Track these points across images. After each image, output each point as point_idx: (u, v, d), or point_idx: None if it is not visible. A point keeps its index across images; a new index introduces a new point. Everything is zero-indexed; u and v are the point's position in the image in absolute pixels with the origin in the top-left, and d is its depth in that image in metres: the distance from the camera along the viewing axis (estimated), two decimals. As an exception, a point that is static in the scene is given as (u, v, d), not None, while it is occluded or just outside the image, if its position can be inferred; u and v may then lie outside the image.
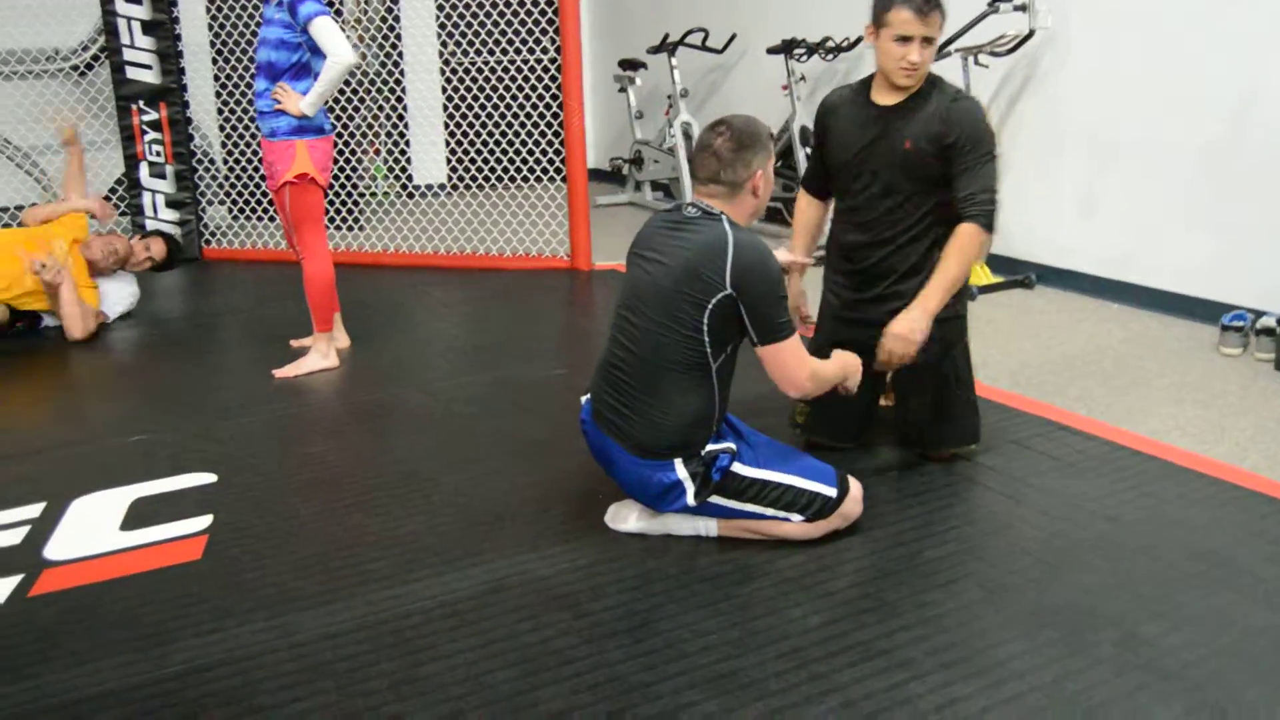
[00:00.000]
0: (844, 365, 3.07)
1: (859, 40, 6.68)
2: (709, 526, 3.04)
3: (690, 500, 2.92)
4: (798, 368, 2.91)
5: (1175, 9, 5.02)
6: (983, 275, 5.73)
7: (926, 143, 3.24)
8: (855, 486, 3.02)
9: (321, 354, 4.61)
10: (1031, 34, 5.52)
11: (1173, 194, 5.15)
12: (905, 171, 3.28)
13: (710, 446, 2.93)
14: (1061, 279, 5.72)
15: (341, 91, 7.21)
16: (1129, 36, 5.24)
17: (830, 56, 6.83)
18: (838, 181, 3.47)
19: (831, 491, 2.97)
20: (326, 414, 4.22)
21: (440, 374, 4.62)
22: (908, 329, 3.16)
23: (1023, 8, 5.49)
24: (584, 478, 3.44)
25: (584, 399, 3.13)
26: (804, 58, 6.95)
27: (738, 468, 2.93)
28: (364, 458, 3.73)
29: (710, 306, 2.80)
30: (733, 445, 2.95)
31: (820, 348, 3.42)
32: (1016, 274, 5.80)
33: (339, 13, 7.47)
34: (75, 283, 5.17)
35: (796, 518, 2.95)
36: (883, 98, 3.31)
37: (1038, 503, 3.21)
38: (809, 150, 6.74)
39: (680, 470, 2.90)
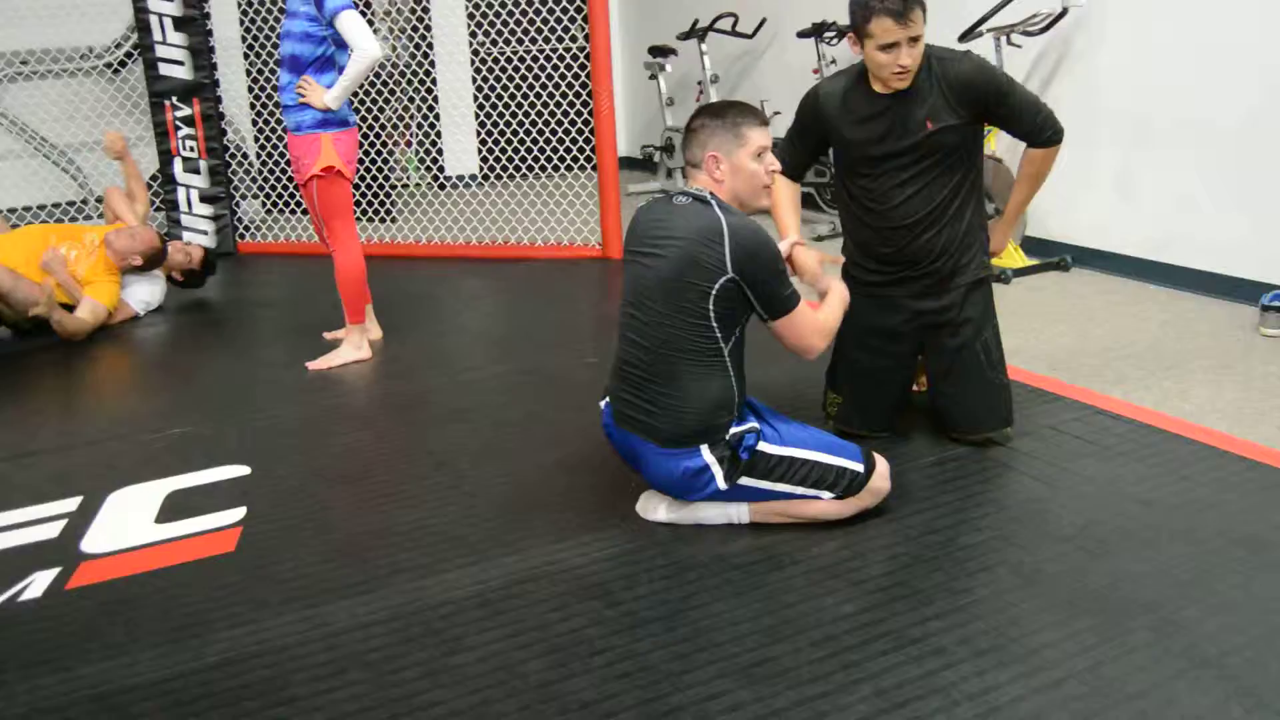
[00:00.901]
0: (840, 300, 3.14)
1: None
2: (740, 512, 3.03)
3: (721, 484, 2.91)
4: (812, 333, 2.98)
5: (1211, -15, 4.94)
6: (1018, 258, 5.67)
7: (948, 114, 3.23)
8: (882, 463, 3.02)
9: (354, 346, 4.63)
10: (1065, 13, 5.46)
11: (1210, 173, 5.07)
12: (931, 151, 3.27)
13: (734, 429, 2.92)
14: (1098, 260, 5.66)
15: (372, 84, 7.23)
16: (1162, 13, 5.17)
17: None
18: (854, 174, 3.41)
19: (859, 467, 2.96)
20: (359, 406, 4.24)
21: (472, 364, 4.63)
22: (999, 246, 3.57)
23: (1055, -13, 5.43)
24: (615, 466, 3.43)
25: (603, 403, 3.13)
26: (835, 41, 6.90)
27: (764, 447, 2.92)
28: (396, 449, 3.74)
29: (715, 293, 2.81)
30: (756, 425, 2.94)
31: (850, 333, 3.43)
32: (1052, 256, 5.74)
33: (369, 5, 7.49)
34: (74, 281, 5.20)
35: (827, 495, 2.94)
36: (886, 88, 3.27)
37: (1073, 487, 3.18)
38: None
39: (707, 455, 2.89)
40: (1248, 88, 4.84)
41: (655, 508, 3.08)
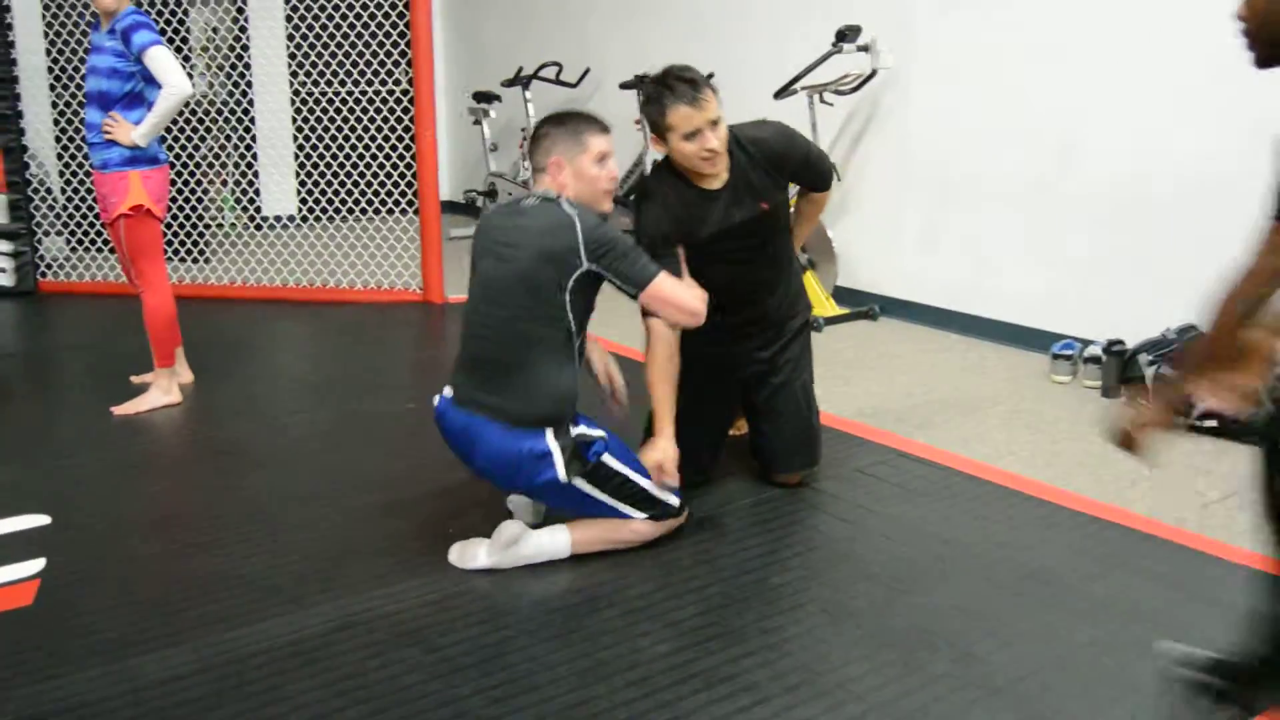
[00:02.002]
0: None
1: (710, 76, 6.81)
2: (559, 543, 3.06)
3: (560, 473, 2.96)
4: (686, 295, 3.07)
5: (1007, 53, 5.26)
6: (829, 307, 5.88)
7: (775, 190, 3.36)
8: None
9: (163, 390, 4.48)
10: (874, 74, 5.72)
11: (1009, 229, 5.38)
12: (767, 227, 3.38)
13: (584, 429, 3.02)
14: (904, 310, 5.91)
15: (187, 120, 7.05)
16: (966, 77, 5.47)
17: (681, 92, 6.94)
18: (692, 258, 3.30)
19: (675, 501, 3.15)
20: (168, 452, 4.11)
21: (287, 409, 4.54)
22: None
23: (865, 48, 5.68)
24: (433, 512, 3.42)
25: (439, 396, 3.16)
26: (655, 93, 7.05)
27: (607, 459, 3.03)
28: (207, 496, 3.64)
29: (570, 285, 2.95)
30: (605, 434, 3.05)
31: (692, 401, 3.31)
32: (861, 306, 5.97)
33: (185, 40, 7.32)
34: None
35: (641, 515, 3.10)
36: (708, 182, 3.28)
37: (878, 528, 3.31)
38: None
39: (551, 441, 2.96)
40: (1043, 150, 5.16)
41: (474, 555, 3.07)
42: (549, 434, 2.96)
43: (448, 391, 3.13)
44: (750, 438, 3.68)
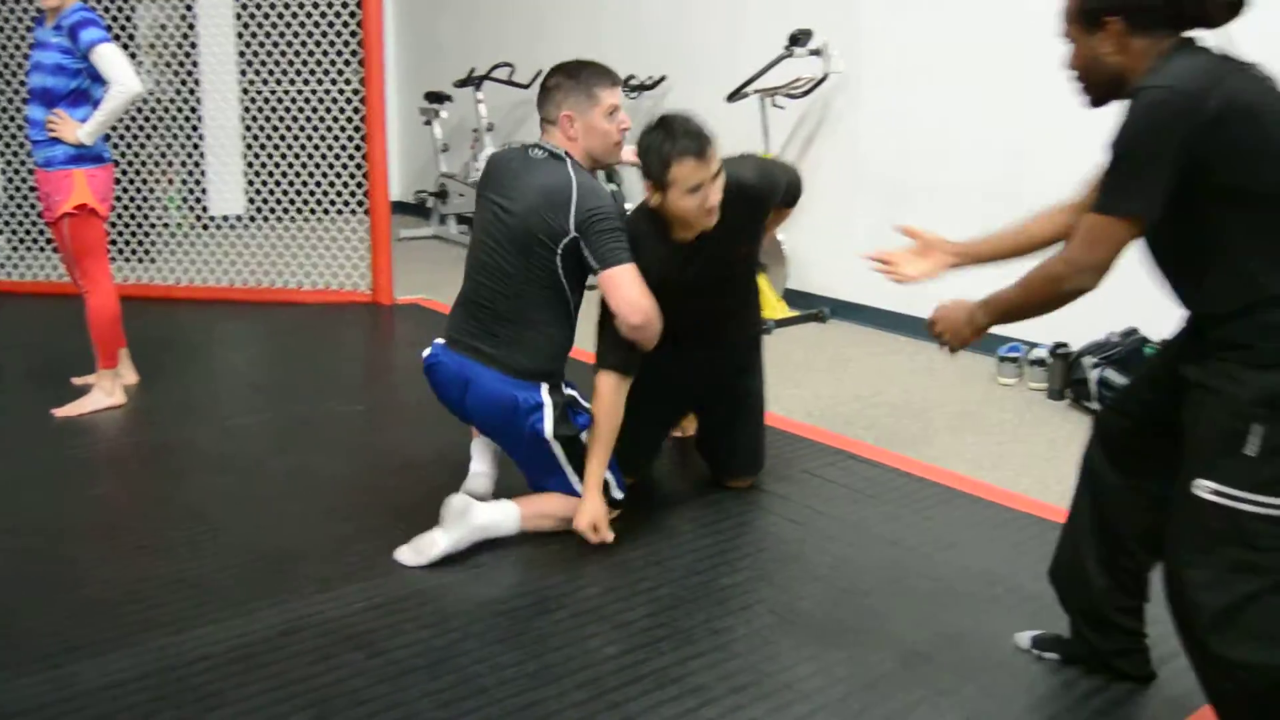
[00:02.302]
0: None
1: (662, 79, 6.83)
2: (509, 516, 3.13)
3: (548, 428, 3.06)
4: (640, 297, 2.99)
5: (958, 57, 5.31)
6: (779, 309, 5.91)
7: (754, 231, 3.34)
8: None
9: (106, 391, 4.42)
10: (825, 78, 5.75)
11: (956, 232, 5.41)
12: (741, 266, 3.38)
13: (577, 395, 3.12)
14: (854, 313, 5.95)
15: (133, 119, 6.95)
16: (916, 83, 5.52)
17: (634, 94, 6.95)
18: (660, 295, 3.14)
19: (618, 494, 3.22)
20: (111, 454, 4.05)
21: (234, 411, 4.49)
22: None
23: (817, 52, 5.72)
24: (381, 514, 3.40)
25: (435, 343, 3.22)
26: (607, 95, 7.05)
27: (585, 436, 3.12)
28: (151, 499, 3.60)
29: (560, 251, 3.01)
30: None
31: (644, 401, 3.25)
32: (811, 308, 6.00)
33: (131, 37, 7.22)
34: None
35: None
36: (687, 232, 3.13)
37: (827, 529, 3.33)
38: (615, 188, 6.85)
39: (545, 395, 3.07)
40: (992, 153, 5.21)
41: (431, 542, 3.06)
42: (544, 388, 3.07)
43: (440, 340, 3.20)
44: (702, 442, 3.68)
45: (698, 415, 3.68)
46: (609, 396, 3.07)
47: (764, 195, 3.28)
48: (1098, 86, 2.17)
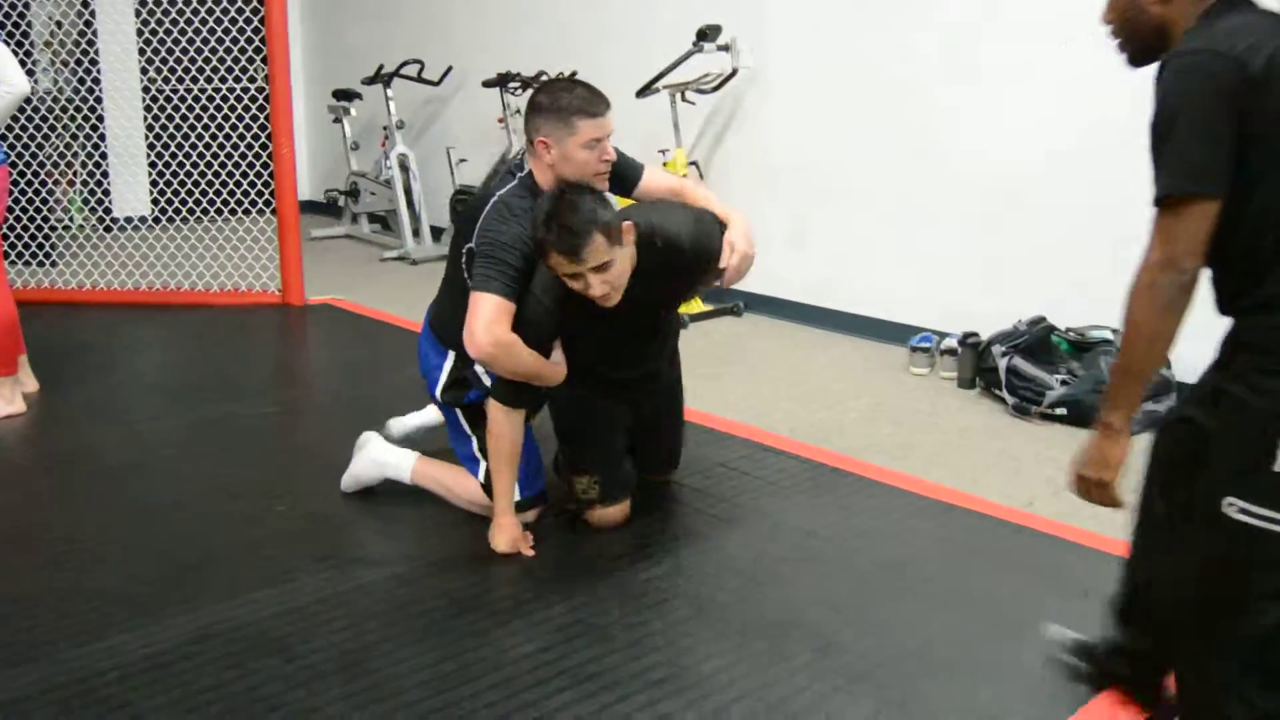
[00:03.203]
0: (553, 370, 3.05)
1: (573, 74, 6.81)
2: (404, 462, 3.38)
3: (436, 392, 3.28)
4: (488, 327, 2.86)
5: (866, 51, 5.37)
6: (694, 304, 5.93)
7: (681, 291, 3.32)
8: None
9: (5, 399, 4.29)
10: (735, 73, 5.78)
11: (868, 225, 5.49)
12: (665, 321, 3.34)
13: (480, 370, 3.12)
14: (769, 306, 5.99)
15: (30, 118, 6.77)
16: (823, 76, 5.57)
17: (544, 91, 6.92)
18: (580, 345, 3.11)
19: (520, 495, 3.19)
20: (13, 462, 3.93)
21: (141, 416, 4.39)
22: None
23: (725, 47, 5.74)
24: (293, 518, 3.35)
25: None
26: (519, 91, 7.03)
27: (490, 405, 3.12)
28: (54, 508, 3.50)
29: (464, 255, 3.09)
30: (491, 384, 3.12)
31: (598, 435, 3.28)
32: (726, 302, 6.03)
33: (26, 33, 7.03)
34: None
35: (481, 475, 3.23)
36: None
37: (744, 522, 3.34)
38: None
39: (449, 361, 3.24)
40: (900, 147, 5.28)
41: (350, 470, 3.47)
42: (450, 355, 3.22)
43: None
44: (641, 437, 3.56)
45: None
46: (498, 424, 3.03)
47: (693, 264, 3.11)
48: (1137, 40, 1.95)
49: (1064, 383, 4.30)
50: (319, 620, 2.75)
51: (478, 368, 3.13)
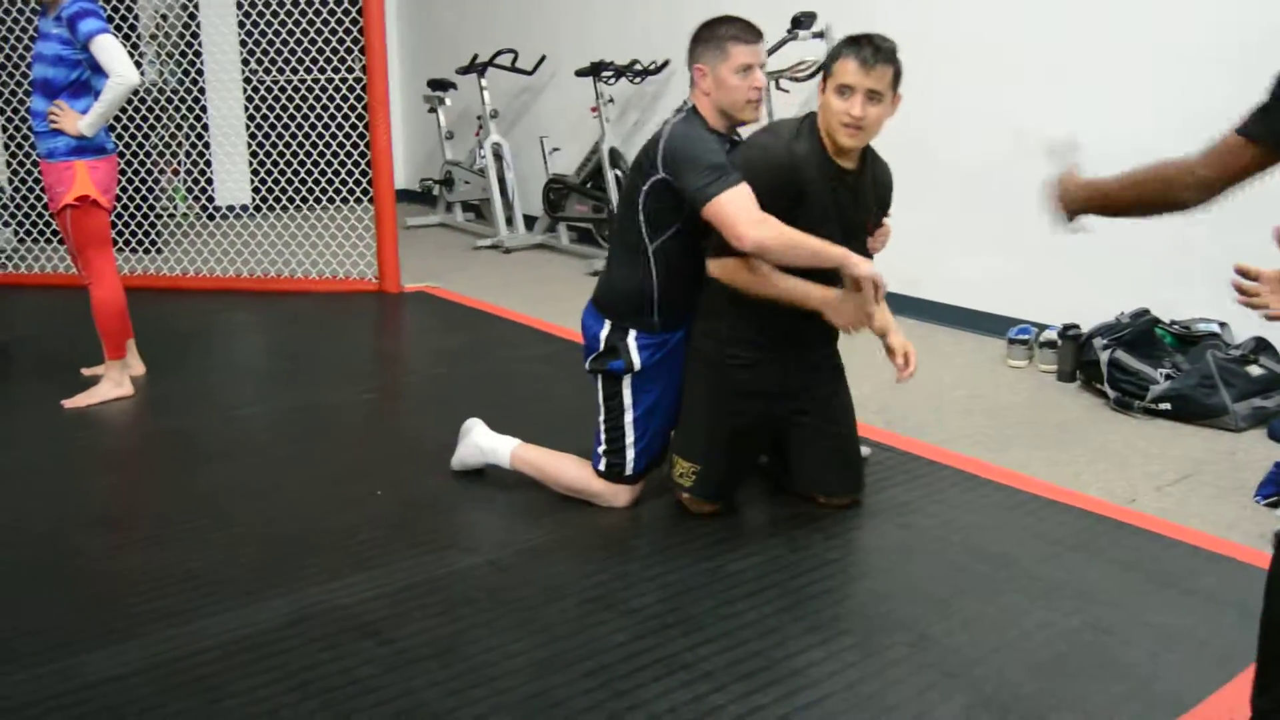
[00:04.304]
0: (832, 250, 2.95)
1: (666, 64, 6.80)
2: (502, 448, 3.44)
3: (589, 357, 3.27)
4: (740, 216, 2.89)
5: (962, 41, 5.27)
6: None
7: (876, 217, 3.33)
8: (636, 490, 3.34)
9: (114, 382, 4.42)
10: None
11: (965, 214, 5.39)
12: (856, 245, 3.09)
13: (632, 347, 3.19)
14: (861, 296, 5.90)
15: (137, 109, 6.95)
16: (913, 63, 5.47)
17: (638, 80, 6.92)
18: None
19: (631, 469, 3.27)
20: (119, 445, 4.05)
21: (242, 401, 4.48)
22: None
23: (820, 35, 5.68)
24: (390, 504, 3.39)
25: None
26: (612, 80, 7.03)
27: (625, 382, 3.22)
28: (159, 489, 3.59)
29: (646, 189, 3.08)
30: (637, 364, 3.20)
31: (721, 398, 3.20)
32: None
33: (133, 28, 7.20)
34: None
35: (599, 462, 3.29)
36: (841, 159, 3.07)
37: (837, 514, 3.31)
38: (619, 174, 6.82)
39: (606, 329, 3.22)
40: (998, 136, 5.17)
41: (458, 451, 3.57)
42: (607, 324, 3.22)
43: None
44: (791, 465, 3.39)
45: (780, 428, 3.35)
46: (734, 268, 3.04)
47: (886, 190, 3.36)
48: None
49: (1168, 377, 4.18)
50: (414, 605, 2.78)
51: (630, 340, 3.19)
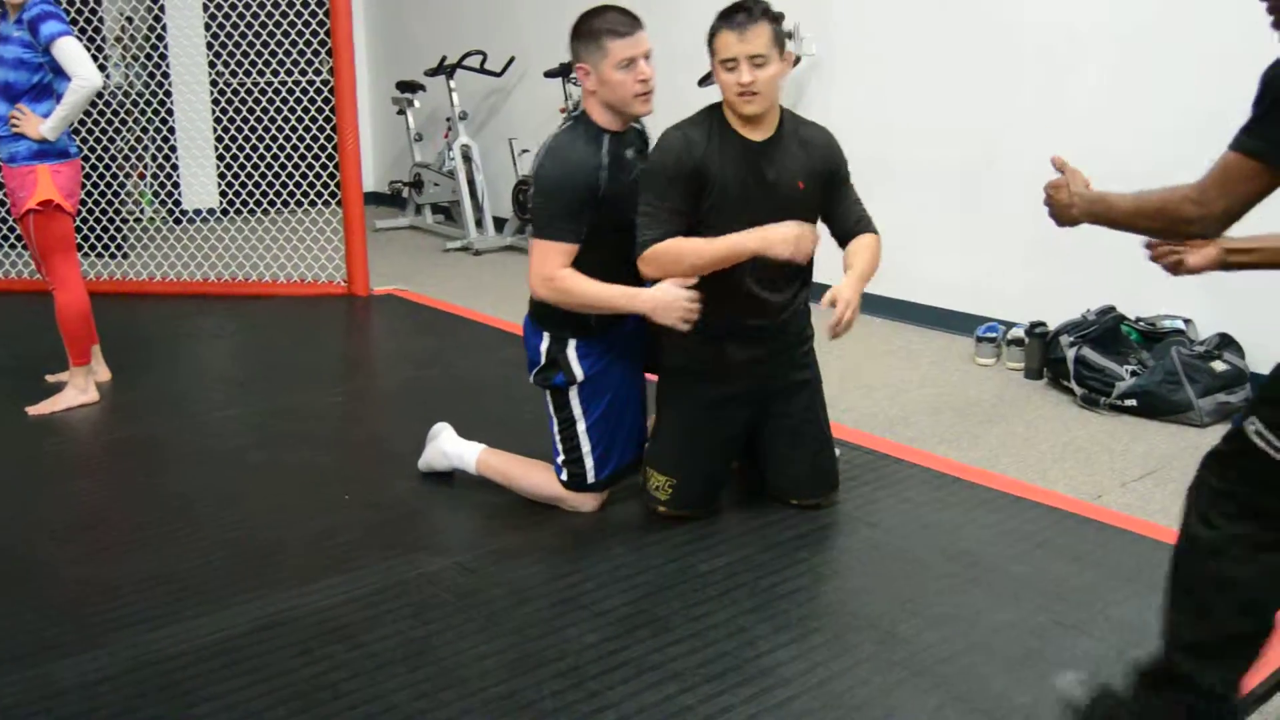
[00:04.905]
0: (629, 299, 3.00)
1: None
2: (469, 454, 3.42)
3: (530, 374, 3.24)
4: (539, 270, 3.01)
5: (932, 42, 5.30)
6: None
7: (815, 180, 3.14)
8: (603, 496, 3.32)
9: (79, 388, 4.38)
10: (799, 60, 5.73)
11: (935, 214, 5.42)
12: (792, 213, 3.02)
13: (573, 360, 3.14)
14: (830, 296, 5.93)
15: (102, 113, 6.89)
16: (888, 63, 5.51)
17: (606, 80, 6.92)
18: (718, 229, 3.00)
19: (592, 476, 3.23)
20: (86, 451, 4.02)
21: (210, 406, 4.46)
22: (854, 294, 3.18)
23: (789, 35, 5.69)
24: (359, 507, 3.38)
25: None
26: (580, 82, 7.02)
27: (573, 393, 3.18)
28: (128, 495, 3.57)
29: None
30: (579, 375, 3.16)
31: (689, 408, 3.20)
32: (788, 292, 5.98)
33: (98, 29, 7.15)
34: None
35: (560, 471, 3.24)
36: (749, 131, 3.03)
37: (804, 513, 3.32)
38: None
39: (546, 341, 3.17)
40: (968, 137, 5.21)
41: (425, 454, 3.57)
42: (546, 336, 3.16)
43: None
44: (766, 466, 3.38)
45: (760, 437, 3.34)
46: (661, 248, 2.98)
47: (833, 155, 3.22)
48: None
49: (1134, 374, 4.22)
50: (384, 609, 2.78)
51: (570, 351, 3.15)
